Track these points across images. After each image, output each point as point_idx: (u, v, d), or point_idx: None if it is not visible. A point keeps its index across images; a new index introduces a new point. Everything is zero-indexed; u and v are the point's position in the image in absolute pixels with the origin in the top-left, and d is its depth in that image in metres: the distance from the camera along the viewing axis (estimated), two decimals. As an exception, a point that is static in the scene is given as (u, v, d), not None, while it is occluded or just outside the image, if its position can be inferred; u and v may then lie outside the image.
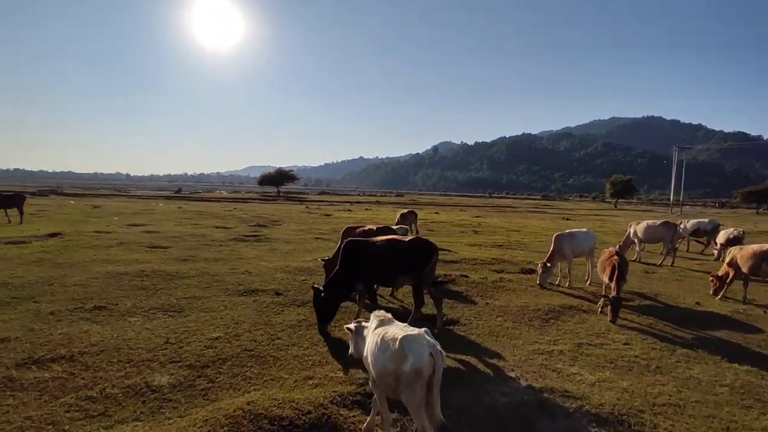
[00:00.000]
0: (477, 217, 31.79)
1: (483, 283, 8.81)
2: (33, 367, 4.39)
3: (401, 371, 3.05)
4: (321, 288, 5.92)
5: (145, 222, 17.97)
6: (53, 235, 12.75)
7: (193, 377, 4.25)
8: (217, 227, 17.10)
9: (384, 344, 3.22)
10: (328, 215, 26.21)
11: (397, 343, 3.14)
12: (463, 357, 5.05)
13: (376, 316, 3.58)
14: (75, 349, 4.79)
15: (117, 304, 6.53)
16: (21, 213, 17.09)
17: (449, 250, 13.01)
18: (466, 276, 9.36)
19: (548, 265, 8.99)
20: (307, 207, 34.12)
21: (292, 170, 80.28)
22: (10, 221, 16.95)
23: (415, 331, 3.24)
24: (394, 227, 10.37)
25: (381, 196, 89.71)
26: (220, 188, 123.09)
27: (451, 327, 6.23)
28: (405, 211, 15.87)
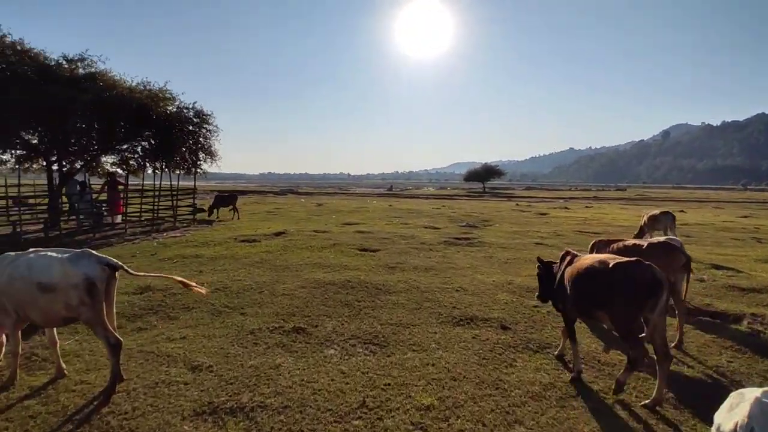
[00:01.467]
0: (745, 217, 24.31)
1: (843, 338, 5.30)
2: (209, 419, 3.48)
3: None
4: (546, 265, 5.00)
5: (359, 221, 18.26)
6: (279, 234, 13.46)
7: (393, 497, 2.68)
8: (426, 227, 16.19)
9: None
10: (543, 214, 23.18)
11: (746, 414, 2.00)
12: None
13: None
14: (258, 398, 3.78)
15: (317, 326, 5.59)
16: (235, 210, 19.04)
17: (733, 269, 9.19)
18: (799, 320, 5.88)
19: None
20: (517, 204, 31.43)
21: (497, 165, 77.75)
22: (232, 218, 19.12)
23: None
24: (668, 238, 7.37)
25: (598, 190, 79.96)
26: (428, 185, 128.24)
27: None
28: (656, 212, 12.08)
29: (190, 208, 16.83)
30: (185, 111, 15.84)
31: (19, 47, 12.64)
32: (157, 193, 15.66)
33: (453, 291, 7.31)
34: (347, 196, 47.09)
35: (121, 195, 14.83)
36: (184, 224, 16.12)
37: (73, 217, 14.25)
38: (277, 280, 7.89)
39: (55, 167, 15.36)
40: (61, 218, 14.50)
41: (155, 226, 14.88)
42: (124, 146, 16.60)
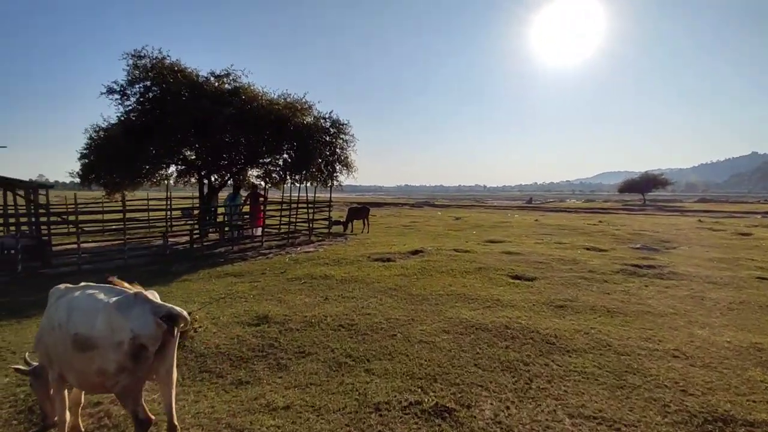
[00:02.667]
0: None
1: None
2: None
3: None
4: None
5: (503, 238, 16.01)
6: (415, 252, 11.99)
7: None
8: (587, 249, 13.33)
9: None
10: (746, 234, 18.13)
11: None
12: None
13: None
14: None
15: (470, 407, 3.81)
16: (366, 224, 18.19)
17: None
18: None
19: None
20: (700, 220, 25.77)
21: (662, 174, 67.57)
22: (363, 231, 18.18)
23: None
24: None
25: (802, 203, 64.28)
26: (571, 197, 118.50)
27: None
28: None
29: (326, 222, 16.37)
30: (322, 121, 15.45)
31: (176, 68, 13.35)
32: (294, 206, 15.46)
33: (667, 356, 4.92)
34: (485, 209, 44.53)
35: (262, 208, 14.88)
36: (320, 238, 15.65)
37: (215, 229, 14.65)
38: (414, 317, 6.29)
39: (208, 180, 16.11)
40: (209, 230, 15.02)
41: (291, 240, 14.58)
42: (267, 159, 16.83)
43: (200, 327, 5.59)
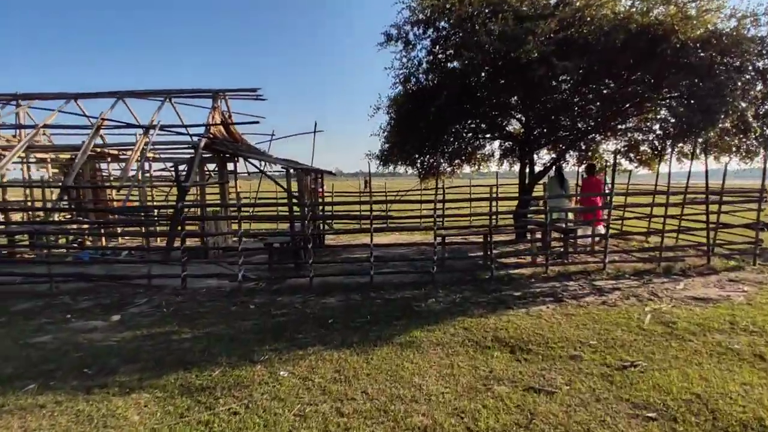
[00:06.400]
0: None
1: None
2: None
3: None
4: None
5: None
6: None
7: None
8: None
9: None
10: None
11: None
12: None
13: None
14: None
15: None
16: None
17: None
18: None
19: None
20: None
21: None
22: None
23: None
24: None
25: None
26: None
27: None
28: None
29: (751, 228, 8.39)
30: (743, 30, 7.48)
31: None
32: (678, 200, 8.50)
33: None
34: None
35: (606, 199, 8.82)
36: (735, 263, 8.00)
37: (528, 233, 9.47)
38: None
39: (530, 160, 11.14)
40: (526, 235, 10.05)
41: (661, 262, 7.78)
42: (629, 123, 10.33)
43: None
